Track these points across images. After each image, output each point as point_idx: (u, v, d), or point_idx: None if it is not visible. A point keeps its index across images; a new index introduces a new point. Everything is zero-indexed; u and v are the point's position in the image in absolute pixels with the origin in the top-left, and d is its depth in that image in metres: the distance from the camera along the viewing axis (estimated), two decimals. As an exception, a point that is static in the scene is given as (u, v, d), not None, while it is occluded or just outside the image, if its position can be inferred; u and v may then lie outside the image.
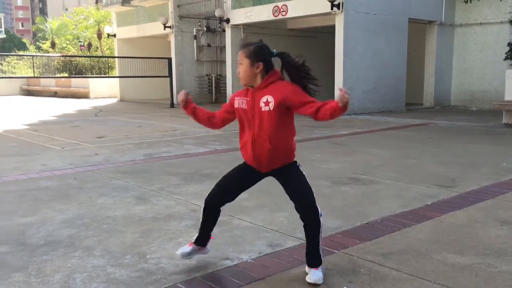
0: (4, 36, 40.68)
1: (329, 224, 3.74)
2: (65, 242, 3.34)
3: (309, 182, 2.80)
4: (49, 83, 29.68)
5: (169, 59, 18.05)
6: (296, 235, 3.49)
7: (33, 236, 3.46)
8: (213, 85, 20.78)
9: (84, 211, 4.09)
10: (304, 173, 2.81)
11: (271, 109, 2.64)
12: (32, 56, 21.95)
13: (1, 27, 38.98)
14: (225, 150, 7.62)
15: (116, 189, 4.89)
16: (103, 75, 27.26)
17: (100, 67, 28.87)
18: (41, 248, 3.21)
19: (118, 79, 22.62)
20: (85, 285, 2.65)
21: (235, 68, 17.37)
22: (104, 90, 26.04)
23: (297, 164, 2.83)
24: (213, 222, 2.98)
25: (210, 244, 3.01)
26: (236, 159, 6.90)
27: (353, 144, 8.35)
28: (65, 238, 3.42)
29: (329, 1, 13.36)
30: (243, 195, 4.59)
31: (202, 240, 2.94)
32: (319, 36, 18.82)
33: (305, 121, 12.09)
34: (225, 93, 18.24)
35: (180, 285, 2.67)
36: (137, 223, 3.80)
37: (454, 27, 16.50)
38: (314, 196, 2.79)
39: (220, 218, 3.83)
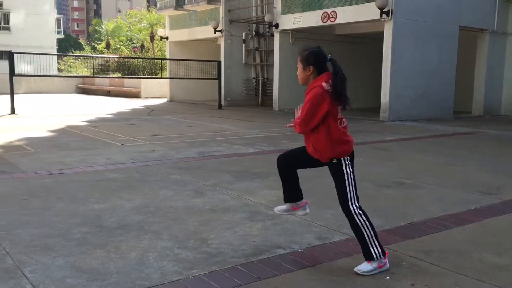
0: (62, 36, 42.60)
1: (372, 222, 4.00)
2: (135, 226, 3.76)
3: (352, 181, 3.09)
4: (103, 82, 30.96)
5: (219, 62, 18.57)
6: (343, 230, 3.78)
7: (107, 220, 3.90)
8: (260, 88, 21.20)
9: (149, 201, 4.52)
10: (349, 170, 3.11)
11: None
12: (92, 57, 22.99)
13: (60, 28, 40.83)
14: (273, 151, 7.94)
15: (175, 183, 5.31)
16: (154, 76, 28.21)
17: (151, 68, 29.88)
18: (116, 231, 3.64)
19: (168, 80, 23.42)
20: (157, 262, 3.04)
21: (282, 72, 17.75)
22: (154, 91, 26.95)
23: (342, 162, 3.09)
24: (290, 181, 3.34)
25: (308, 207, 3.43)
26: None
27: (397, 150, 8.50)
28: (135, 223, 3.84)
29: (379, 8, 13.48)
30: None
31: (288, 197, 3.35)
32: (367, 42, 18.87)
33: (349, 125, 12.27)
34: (271, 96, 18.60)
35: (240, 267, 3.01)
36: (197, 213, 4.18)
37: (507, 36, 16.22)
38: (350, 194, 3.07)
39: (270, 212, 4.18)
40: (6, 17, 37.28)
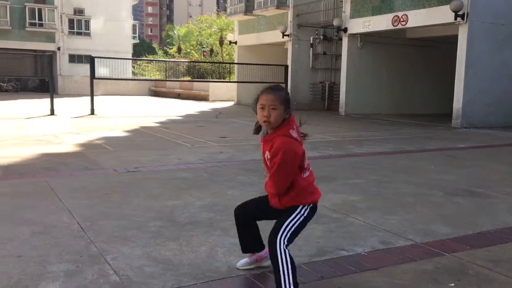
0: (137, 41, 44.59)
1: (439, 229, 3.98)
2: (205, 223, 3.97)
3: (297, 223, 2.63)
4: (174, 86, 32.12)
5: (286, 66, 18.73)
6: (407, 236, 3.78)
7: (179, 216, 4.14)
8: (326, 93, 21.15)
9: (218, 200, 4.74)
10: (303, 213, 2.65)
11: (270, 165, 2.59)
12: (164, 61, 23.96)
13: (135, 33, 42.77)
14: (338, 155, 7.98)
15: (242, 184, 5.51)
16: (222, 80, 28.86)
17: (220, 72, 30.60)
18: (187, 226, 3.87)
19: (236, 83, 23.91)
20: (226, 257, 3.22)
21: (350, 76, 17.62)
22: (222, 94, 27.60)
23: (301, 207, 2.65)
24: (250, 230, 2.93)
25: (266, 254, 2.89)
26: (350, 164, 7.28)
27: (469, 157, 8.24)
28: (205, 219, 4.06)
29: (453, 11, 13.08)
30: (356, 197, 4.96)
31: (248, 248, 2.97)
32: (440, 45, 18.31)
33: (419, 131, 12.02)
34: (338, 101, 18.51)
35: (303, 266, 3.12)
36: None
37: None
38: (286, 229, 2.58)
39: (334, 215, 4.26)
40: (87, 24, 39.53)
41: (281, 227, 2.58)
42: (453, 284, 2.92)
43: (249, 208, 2.95)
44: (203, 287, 2.77)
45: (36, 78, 32.08)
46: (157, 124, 12.28)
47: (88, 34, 39.61)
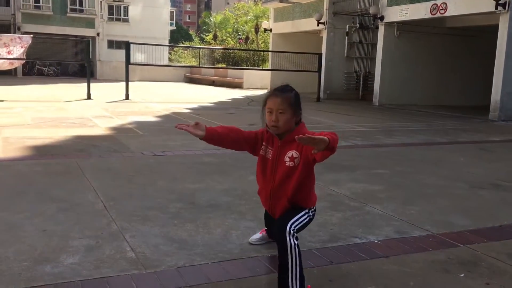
0: (174, 28, 45.05)
1: (458, 221, 3.95)
2: (223, 206, 4.07)
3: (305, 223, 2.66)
4: (209, 73, 32.34)
5: (319, 55, 18.58)
6: (424, 226, 3.77)
7: (200, 198, 4.26)
8: (361, 82, 20.89)
9: (238, 185, 4.83)
10: (311, 215, 2.72)
11: (296, 165, 2.54)
12: (198, 48, 24.19)
13: (172, 20, 43.21)
14: (365, 145, 7.93)
15: (264, 170, 5.57)
16: (255, 67, 28.93)
17: (254, 60, 30.64)
18: (206, 208, 3.98)
19: (270, 71, 23.90)
20: (239, 239, 3.31)
21: (385, 65, 17.33)
22: (256, 81, 27.61)
23: (309, 210, 2.68)
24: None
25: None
26: (376, 154, 7.23)
27: (502, 151, 8.05)
28: (223, 203, 4.16)
29: (494, 0, 12.67)
30: (377, 187, 4.95)
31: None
32: (480, 35, 17.74)
33: (454, 123, 11.77)
34: (372, 90, 18.26)
35: (314, 251, 3.18)
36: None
37: None
38: (297, 220, 2.56)
39: (353, 203, 4.28)
40: (126, 10, 40.22)
41: (292, 218, 2.53)
42: (463, 275, 2.92)
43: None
44: (214, 266, 2.86)
45: (75, 63, 33.01)
46: (189, 110, 12.47)
47: (127, 20, 40.27)
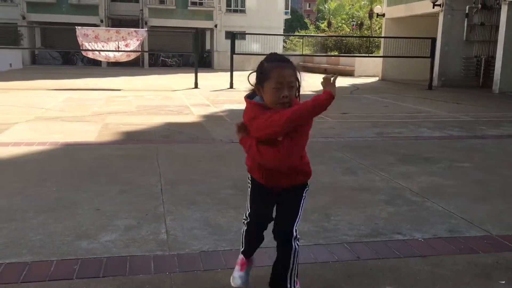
0: (289, 17, 45.27)
1: None
2: (273, 194, 4.07)
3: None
4: (321, 61, 32.06)
5: (432, 39, 17.42)
6: (483, 226, 3.43)
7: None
8: (482, 68, 19.19)
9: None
10: (305, 200, 2.41)
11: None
12: (302, 36, 24.09)
13: (288, 9, 43.50)
14: (461, 136, 7.34)
15: (332, 159, 5.45)
16: (364, 55, 28.03)
17: (367, 47, 29.68)
18: (254, 196, 4.02)
19: (381, 58, 23.00)
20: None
21: (508, 49, 15.73)
22: (368, 69, 26.76)
23: (306, 190, 2.42)
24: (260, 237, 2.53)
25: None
26: (469, 146, 6.70)
27: None
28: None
29: None
30: (451, 181, 4.59)
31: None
32: None
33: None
34: (493, 77, 16.70)
35: (346, 245, 3.07)
36: (336, 189, 4.28)
37: None
38: (298, 219, 2.36)
39: (414, 198, 4.03)
40: (243, 1, 41.37)
41: (295, 219, 2.33)
42: (504, 282, 2.62)
43: (268, 213, 2.40)
44: (234, 253, 2.90)
45: (187, 54, 34.82)
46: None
47: (244, 11, 41.45)
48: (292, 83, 2.16)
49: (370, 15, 34.62)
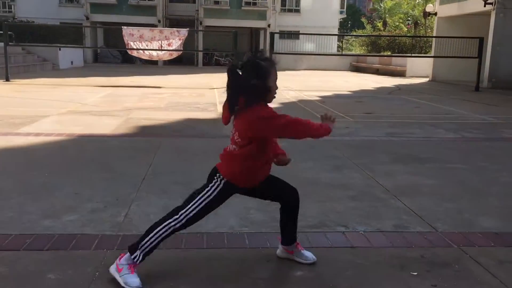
0: (345, 16, 44.78)
1: (484, 223, 3.57)
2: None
3: None
4: (373, 61, 31.55)
5: (480, 39, 16.77)
6: (434, 224, 3.48)
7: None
8: (538, 69, 18.22)
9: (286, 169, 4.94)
10: None
11: None
12: (345, 35, 23.82)
13: (343, 8, 43.06)
14: (475, 139, 7.18)
15: (326, 157, 5.57)
16: (414, 55, 27.29)
17: (421, 47, 28.88)
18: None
19: (432, 58, 22.37)
20: (228, 219, 3.53)
21: None
22: (420, 70, 26.05)
23: None
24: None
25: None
26: (476, 149, 6.60)
27: None
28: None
29: None
30: (431, 181, 4.60)
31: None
32: None
33: None
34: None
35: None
36: (310, 184, 4.42)
37: None
38: None
39: (382, 196, 4.10)
40: (298, 1, 41.46)
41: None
42: (416, 273, 2.71)
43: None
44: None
45: (240, 53, 35.28)
46: (317, 98, 12.59)
47: (298, 11, 41.52)
48: (276, 79, 2.55)
49: (425, 14, 33.61)
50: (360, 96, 13.77)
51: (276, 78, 2.54)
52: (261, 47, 39.16)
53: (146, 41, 15.09)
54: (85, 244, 2.99)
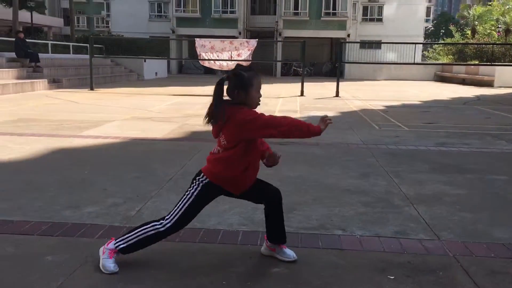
0: (431, 24, 43.11)
1: (496, 233, 3.41)
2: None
3: None
4: (460, 70, 30.06)
5: None
6: (440, 232, 3.38)
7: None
8: None
9: (311, 174, 4.99)
10: None
11: None
12: (424, 43, 22.89)
13: (429, 16, 41.51)
14: (535, 150, 6.69)
15: (357, 164, 5.51)
16: (502, 63, 25.61)
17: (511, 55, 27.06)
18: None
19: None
20: (231, 218, 3.66)
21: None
22: (510, 80, 24.46)
23: None
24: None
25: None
26: None
27: None
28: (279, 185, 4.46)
29: None
30: (461, 191, 4.42)
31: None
32: None
33: None
34: None
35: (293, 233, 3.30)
36: (327, 190, 4.43)
37: None
38: None
39: (397, 202, 4.02)
40: (380, 10, 40.65)
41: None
42: (393, 277, 2.68)
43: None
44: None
45: (319, 63, 34.93)
46: (381, 108, 12.31)
47: (380, 20, 40.69)
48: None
49: (516, 20, 31.49)
50: (429, 106, 13.26)
51: (260, 87, 2.72)
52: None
53: (217, 51, 15.65)
54: (91, 233, 3.27)
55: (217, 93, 2.68)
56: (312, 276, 2.70)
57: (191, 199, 2.75)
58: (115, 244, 2.74)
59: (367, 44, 38.97)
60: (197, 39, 16.04)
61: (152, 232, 2.75)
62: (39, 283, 2.56)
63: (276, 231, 2.95)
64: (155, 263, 2.84)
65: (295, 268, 2.81)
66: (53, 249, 2.98)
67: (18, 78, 16.01)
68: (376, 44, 38.58)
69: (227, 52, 15.64)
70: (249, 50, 15.76)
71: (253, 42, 15.93)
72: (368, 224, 3.53)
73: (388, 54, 36.88)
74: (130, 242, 2.75)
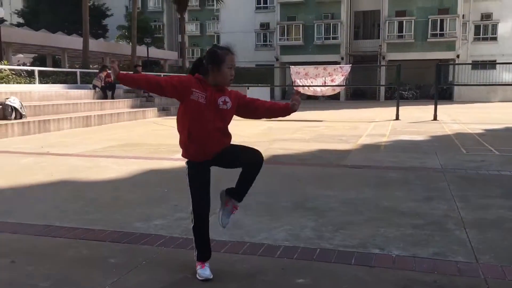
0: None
1: None
2: (312, 210, 4.60)
3: None
4: None
5: None
6: (481, 256, 3.34)
7: (305, 202, 4.89)
8: None
9: (373, 197, 5.08)
10: None
11: (228, 108, 3.04)
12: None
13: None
14: None
15: (425, 188, 5.47)
16: None
17: None
18: (289, 210, 4.63)
19: None
20: (287, 234, 3.94)
21: None
22: None
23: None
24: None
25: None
26: None
27: None
28: (338, 206, 4.67)
29: None
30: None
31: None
32: None
33: None
34: None
35: (317, 249, 3.51)
36: (382, 211, 4.51)
37: None
38: None
39: (450, 227, 4.04)
40: (494, 28, 38.32)
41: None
42: (409, 296, 2.76)
43: (207, 204, 3.29)
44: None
45: (425, 86, 33.44)
46: (479, 131, 11.71)
47: (495, 39, 38.26)
48: (234, 65, 3.02)
49: None
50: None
51: (232, 65, 2.98)
52: (450, 78, 37.05)
53: (311, 78, 16.04)
54: (152, 241, 3.75)
55: (194, 65, 3.07)
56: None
57: (188, 181, 3.19)
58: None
59: (480, 65, 36.79)
60: (292, 67, 16.59)
61: (193, 215, 3.21)
62: (98, 279, 3.05)
63: (238, 187, 3.25)
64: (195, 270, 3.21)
65: (319, 279, 3.00)
66: (117, 253, 3.49)
67: (132, 107, 17.70)
68: (490, 64, 36.31)
69: (320, 78, 15.95)
70: (342, 75, 15.93)
71: (347, 68, 16.09)
72: (408, 245, 3.59)
73: (504, 74, 34.47)
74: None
